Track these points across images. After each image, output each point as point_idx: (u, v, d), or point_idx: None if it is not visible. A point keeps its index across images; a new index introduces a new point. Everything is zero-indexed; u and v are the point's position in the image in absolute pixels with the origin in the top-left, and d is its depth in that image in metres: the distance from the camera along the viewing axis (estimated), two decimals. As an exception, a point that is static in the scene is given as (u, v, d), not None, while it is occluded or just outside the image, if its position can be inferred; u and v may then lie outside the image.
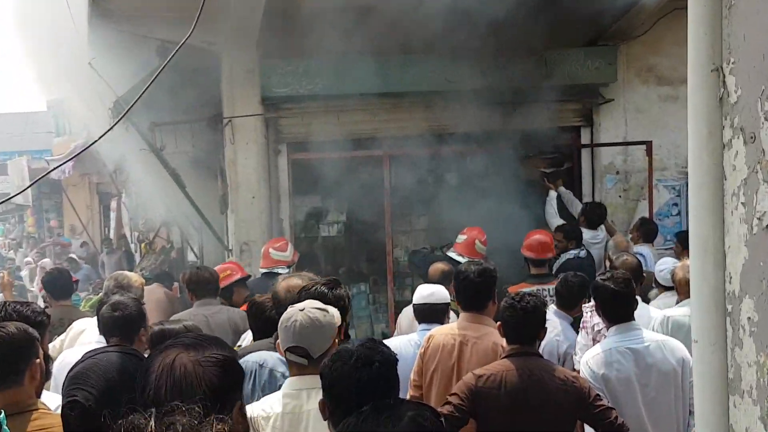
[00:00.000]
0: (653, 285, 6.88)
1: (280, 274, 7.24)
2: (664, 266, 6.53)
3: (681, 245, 8.46)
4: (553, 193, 9.00)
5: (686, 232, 8.70)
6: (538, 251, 7.28)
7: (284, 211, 9.28)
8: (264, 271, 7.51)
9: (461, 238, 7.80)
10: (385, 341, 3.09)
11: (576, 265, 7.30)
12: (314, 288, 3.70)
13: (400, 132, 9.17)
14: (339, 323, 3.36)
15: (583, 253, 7.82)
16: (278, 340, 3.38)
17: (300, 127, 9.15)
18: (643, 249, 8.32)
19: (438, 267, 6.68)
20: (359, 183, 9.01)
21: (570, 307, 5.89)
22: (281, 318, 3.35)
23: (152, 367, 2.03)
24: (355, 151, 9.14)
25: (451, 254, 7.71)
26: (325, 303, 3.46)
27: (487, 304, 4.81)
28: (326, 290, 3.70)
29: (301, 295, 3.69)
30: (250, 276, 7.32)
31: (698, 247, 2.08)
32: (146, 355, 2.55)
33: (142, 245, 14.28)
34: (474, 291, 4.78)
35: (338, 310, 3.45)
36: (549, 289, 6.59)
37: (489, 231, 7.86)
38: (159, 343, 2.31)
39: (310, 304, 3.36)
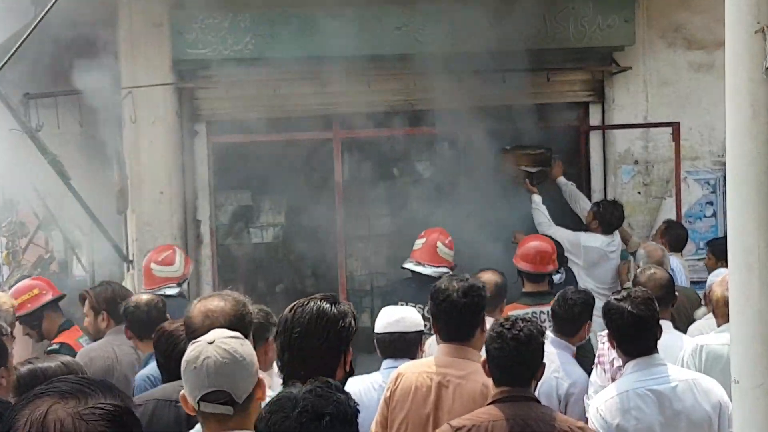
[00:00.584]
0: (701, 302, 6.96)
1: (170, 296, 7.32)
2: (718, 277, 6.54)
3: (714, 256, 8.54)
4: (537, 198, 9.06)
5: (723, 239, 8.82)
6: (535, 262, 7.31)
7: (203, 211, 9.24)
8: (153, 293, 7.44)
9: (419, 243, 7.85)
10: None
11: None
12: (309, 304, 3.74)
13: (357, 108, 9.16)
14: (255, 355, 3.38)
15: (558, 277, 7.91)
16: (182, 391, 3.34)
17: (224, 101, 9.10)
18: (671, 260, 8.40)
19: (488, 278, 6.45)
20: (303, 174, 9.04)
21: (571, 332, 5.91)
22: (184, 359, 3.31)
23: (16, 424, 1.98)
24: (298, 133, 9.08)
25: (409, 265, 7.74)
26: (327, 320, 3.63)
27: (473, 332, 4.79)
28: (328, 305, 3.75)
29: (296, 312, 3.74)
30: (64, 296, 7.32)
31: (739, 259, 2.08)
32: (9, 406, 2.51)
33: (4, 255, 14.08)
34: (457, 315, 4.76)
35: (342, 331, 3.58)
36: (548, 312, 6.56)
37: (472, 235, 7.87)
38: (28, 389, 2.25)
39: (221, 334, 3.35)
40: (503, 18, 8.73)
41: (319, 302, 3.76)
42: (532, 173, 9.23)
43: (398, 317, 5.42)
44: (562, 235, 8.54)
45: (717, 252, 8.48)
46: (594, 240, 8.71)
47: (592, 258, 8.67)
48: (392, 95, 9.26)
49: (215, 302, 4.00)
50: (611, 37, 9.26)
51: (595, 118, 9.78)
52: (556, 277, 7.86)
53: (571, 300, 5.93)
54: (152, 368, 5.32)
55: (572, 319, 5.89)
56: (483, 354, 4.42)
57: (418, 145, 9.50)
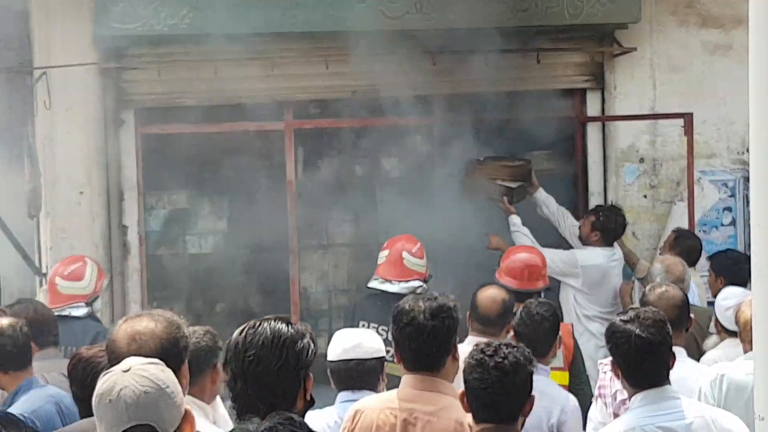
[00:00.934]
0: (714, 328, 6.96)
1: (76, 317, 7.27)
2: (729, 300, 6.60)
3: (714, 272, 8.50)
4: (516, 219, 9.00)
5: (726, 255, 8.90)
6: (522, 278, 7.33)
7: (130, 215, 9.20)
8: (56, 313, 7.29)
9: (382, 256, 7.83)
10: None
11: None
12: (262, 324, 3.77)
13: (313, 94, 9.19)
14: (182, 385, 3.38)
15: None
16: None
17: (156, 84, 9.06)
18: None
19: (493, 294, 6.48)
20: (249, 172, 9.02)
21: (543, 352, 5.91)
22: (96, 392, 3.29)
23: None
24: (243, 123, 9.10)
25: (374, 284, 7.71)
26: (283, 341, 3.67)
27: (443, 360, 4.74)
28: (283, 325, 3.78)
29: (247, 335, 3.75)
30: None
31: (763, 276, 2.07)
32: None
33: None
34: (425, 341, 4.70)
35: (302, 352, 3.66)
36: None
37: (451, 243, 7.84)
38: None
39: (137, 361, 3.35)
40: None
41: (273, 322, 3.79)
42: (512, 189, 9.15)
43: (355, 342, 5.39)
44: (554, 256, 8.48)
45: (717, 267, 8.46)
46: (593, 256, 8.68)
47: (593, 278, 8.64)
48: (355, 79, 9.21)
49: (144, 323, 3.94)
50: (613, 12, 9.23)
51: (593, 108, 9.80)
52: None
53: (537, 315, 5.97)
54: (37, 400, 5.36)
55: (542, 338, 5.90)
56: (460, 385, 4.41)
57: (385, 138, 9.47)
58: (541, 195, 9.20)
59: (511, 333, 6.13)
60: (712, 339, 6.97)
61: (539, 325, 5.93)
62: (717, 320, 6.72)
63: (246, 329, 3.81)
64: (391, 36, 8.78)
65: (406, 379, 4.80)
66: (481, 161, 9.26)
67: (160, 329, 3.91)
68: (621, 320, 4.82)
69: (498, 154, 9.35)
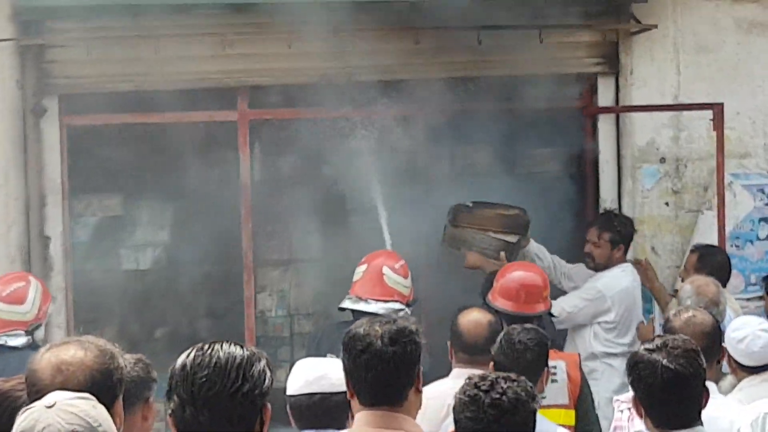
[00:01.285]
0: (728, 367, 6.90)
1: (14, 347, 7.25)
2: (742, 331, 6.61)
3: None
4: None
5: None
6: (518, 300, 7.36)
7: (54, 224, 9.15)
8: None
9: (359, 271, 7.88)
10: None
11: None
12: (214, 346, 3.78)
13: (273, 78, 9.23)
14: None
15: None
16: None
17: (85, 65, 9.03)
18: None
19: (477, 318, 6.61)
20: (195, 173, 8.94)
21: None
22: (15, 431, 3.31)
23: None
24: (189, 113, 9.08)
25: (346, 303, 7.76)
26: (239, 363, 3.71)
27: (405, 393, 4.75)
28: (237, 347, 3.81)
29: (196, 356, 3.76)
30: None
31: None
32: None
33: None
34: (384, 371, 4.70)
35: (260, 377, 3.73)
36: None
37: (434, 262, 7.81)
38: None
39: (63, 396, 3.35)
40: None
41: (224, 344, 3.81)
42: (510, 244, 9.02)
43: (320, 373, 5.38)
44: (574, 300, 8.62)
45: None
46: (617, 280, 8.74)
47: (626, 306, 8.72)
48: (323, 60, 9.20)
49: (71, 351, 3.94)
50: None
51: (605, 97, 9.82)
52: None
53: (520, 344, 6.02)
54: None
55: (525, 369, 5.79)
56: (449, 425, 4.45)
57: (358, 131, 9.39)
58: (533, 246, 9.21)
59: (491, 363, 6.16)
60: (728, 380, 6.96)
61: (522, 355, 5.97)
62: (730, 357, 6.66)
63: (194, 351, 3.81)
64: (365, 8, 8.82)
65: (362, 416, 4.78)
66: (470, 207, 9.18)
67: (90, 358, 3.90)
68: (646, 349, 4.82)
69: (490, 201, 9.23)
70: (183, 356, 3.84)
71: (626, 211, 9.63)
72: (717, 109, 9.05)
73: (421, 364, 4.83)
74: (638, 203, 9.70)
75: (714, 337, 6.06)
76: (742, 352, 6.48)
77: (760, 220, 9.89)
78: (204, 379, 3.70)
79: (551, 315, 7.92)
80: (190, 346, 3.94)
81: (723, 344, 6.24)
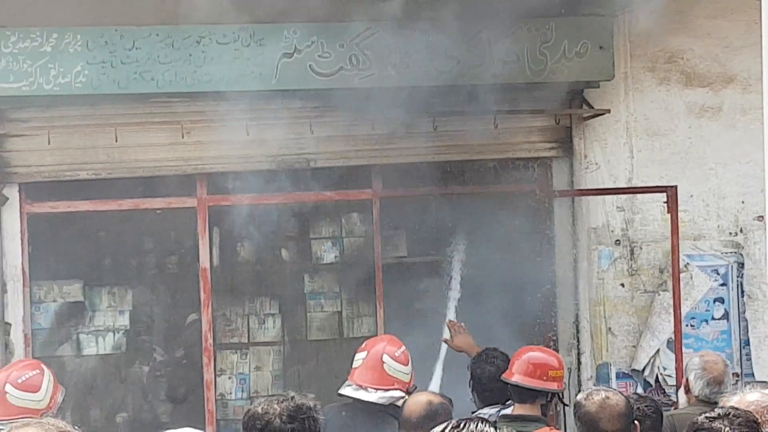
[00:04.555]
0: None
1: None
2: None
3: None
4: None
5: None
6: (530, 374, 7.32)
7: (14, 310, 9.23)
8: None
9: (359, 358, 7.72)
10: None
11: None
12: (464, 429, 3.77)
13: (231, 165, 9.36)
14: None
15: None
16: None
17: (45, 154, 9.13)
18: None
19: (420, 399, 6.53)
20: (156, 258, 9.19)
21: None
22: None
23: None
24: (148, 200, 9.24)
25: (347, 391, 7.57)
26: None
27: None
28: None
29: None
30: None
31: None
32: None
33: None
34: None
35: None
36: None
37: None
38: None
39: None
40: (432, 42, 8.81)
41: (480, 423, 3.83)
42: None
43: None
44: None
45: None
46: None
47: None
48: (280, 147, 9.33)
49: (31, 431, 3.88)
50: (582, 69, 9.42)
51: (560, 180, 9.95)
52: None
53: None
54: None
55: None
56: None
57: (316, 216, 9.65)
58: None
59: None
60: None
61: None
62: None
63: (449, 429, 3.83)
64: (322, 96, 9.01)
65: None
66: None
67: None
68: (707, 417, 4.82)
69: None
70: None
71: (582, 292, 9.77)
72: (671, 191, 9.14)
73: None
74: (594, 284, 9.79)
75: (629, 418, 6.02)
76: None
77: (715, 300, 10.02)
78: None
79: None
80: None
81: (636, 422, 6.31)
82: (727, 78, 9.86)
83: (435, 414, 6.38)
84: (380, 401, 7.29)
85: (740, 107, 9.96)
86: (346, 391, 7.51)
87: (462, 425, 3.83)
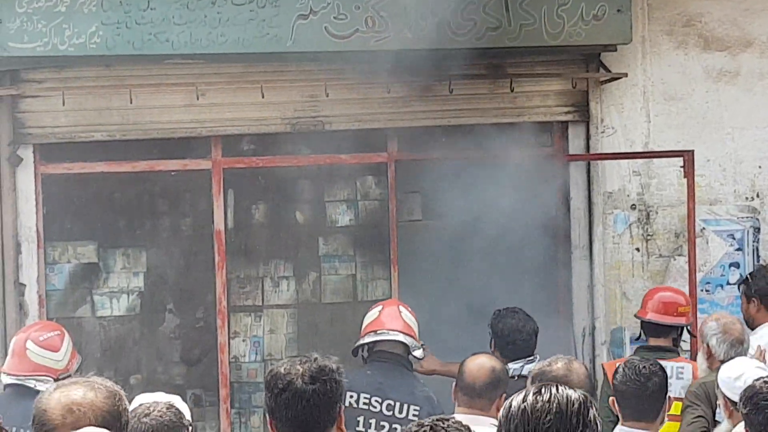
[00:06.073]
0: (724, 411, 6.93)
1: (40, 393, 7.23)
2: (737, 369, 6.76)
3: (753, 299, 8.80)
4: None
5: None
6: (662, 311, 8.23)
7: (28, 271, 9.27)
8: (11, 381, 7.42)
9: (372, 314, 7.94)
10: None
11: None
12: (546, 394, 3.74)
13: (246, 127, 9.42)
14: None
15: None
16: None
17: (60, 115, 9.14)
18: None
19: (482, 362, 6.65)
20: (170, 219, 9.24)
21: (650, 414, 6.04)
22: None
23: None
24: (163, 161, 9.30)
25: (369, 338, 7.77)
26: None
27: (328, 431, 4.83)
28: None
29: (533, 411, 3.66)
30: None
31: None
32: None
33: None
34: (304, 409, 4.77)
35: None
36: (675, 368, 7.75)
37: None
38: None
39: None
40: (449, 4, 8.90)
41: (561, 387, 3.81)
42: None
43: None
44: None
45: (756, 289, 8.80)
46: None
47: None
48: (295, 109, 9.41)
49: (81, 392, 3.97)
50: (599, 32, 9.41)
51: (576, 144, 9.97)
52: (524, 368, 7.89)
53: (645, 369, 6.12)
54: None
55: (650, 396, 6.04)
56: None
57: (331, 179, 9.68)
58: None
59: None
60: (724, 426, 6.97)
61: (646, 382, 6.08)
62: (726, 399, 6.71)
63: (531, 395, 3.76)
64: (337, 58, 9.05)
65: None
66: None
67: (100, 400, 3.95)
68: (764, 381, 4.96)
69: None
70: (518, 399, 3.76)
71: (597, 256, 9.83)
72: (687, 156, 9.16)
73: (342, 402, 4.90)
74: (609, 249, 9.83)
75: (591, 382, 6.36)
76: (740, 389, 6.30)
77: (730, 265, 10.08)
78: (548, 425, 3.68)
79: None
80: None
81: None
82: (746, 42, 9.86)
83: (498, 382, 6.57)
84: (406, 341, 7.71)
85: (758, 71, 9.98)
86: (368, 338, 7.83)
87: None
